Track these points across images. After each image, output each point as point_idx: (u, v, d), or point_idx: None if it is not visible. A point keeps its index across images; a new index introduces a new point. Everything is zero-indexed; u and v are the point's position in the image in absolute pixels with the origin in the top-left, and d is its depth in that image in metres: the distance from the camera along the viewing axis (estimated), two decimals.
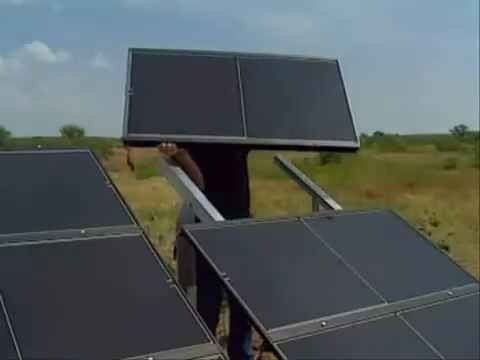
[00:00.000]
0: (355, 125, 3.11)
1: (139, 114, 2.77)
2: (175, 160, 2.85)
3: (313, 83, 3.26)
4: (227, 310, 3.50)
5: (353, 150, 3.12)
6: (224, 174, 3.08)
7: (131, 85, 2.80)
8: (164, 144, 2.78)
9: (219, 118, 2.96)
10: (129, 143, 2.80)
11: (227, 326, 3.50)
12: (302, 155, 15.04)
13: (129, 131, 2.71)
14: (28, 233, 2.16)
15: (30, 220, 2.25)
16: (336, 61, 3.31)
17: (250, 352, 3.29)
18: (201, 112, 2.96)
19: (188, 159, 2.97)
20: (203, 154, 2.96)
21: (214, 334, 2.65)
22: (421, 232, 3.21)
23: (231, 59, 3.13)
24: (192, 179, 2.76)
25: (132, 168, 3.19)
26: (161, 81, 2.96)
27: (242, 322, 3.16)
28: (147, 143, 2.82)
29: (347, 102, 3.18)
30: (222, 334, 3.62)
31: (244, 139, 2.86)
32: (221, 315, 3.60)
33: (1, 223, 2.18)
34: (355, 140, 3.06)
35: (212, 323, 3.00)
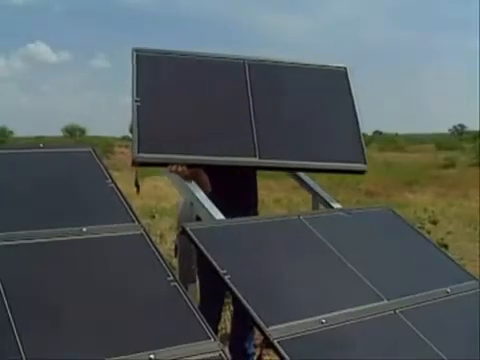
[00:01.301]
0: (364, 145, 3.07)
1: (148, 130, 2.64)
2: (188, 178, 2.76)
3: (323, 95, 3.18)
4: (229, 308, 3.51)
5: (361, 173, 3.08)
6: (233, 192, 3.02)
7: (137, 93, 2.67)
8: (174, 167, 2.68)
9: (230, 137, 2.86)
10: (139, 164, 2.64)
11: (229, 324, 3.51)
12: None
13: (139, 151, 2.58)
14: (29, 231, 2.18)
15: (31, 218, 2.26)
16: (345, 68, 3.25)
17: (251, 351, 3.30)
18: (212, 129, 2.85)
19: (205, 178, 2.91)
20: (212, 171, 2.91)
21: (216, 332, 2.65)
22: (420, 230, 3.22)
23: (240, 64, 3.02)
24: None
25: (138, 190, 3.17)
26: (168, 89, 2.85)
27: (244, 321, 3.17)
28: (158, 164, 2.72)
29: (357, 117, 3.12)
30: (223, 332, 3.63)
31: (256, 160, 2.80)
32: (223, 313, 3.62)
33: (2, 221, 2.19)
34: (364, 162, 3.03)
35: (214, 321, 3.01)
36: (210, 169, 2.90)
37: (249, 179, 3.23)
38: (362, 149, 3.03)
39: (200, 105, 2.89)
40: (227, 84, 3.00)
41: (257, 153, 2.80)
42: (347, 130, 3.10)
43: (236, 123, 2.90)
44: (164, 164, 2.69)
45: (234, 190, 3.04)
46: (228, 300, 3.54)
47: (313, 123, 3.08)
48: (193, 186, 2.75)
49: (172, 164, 2.67)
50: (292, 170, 3.03)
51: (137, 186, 2.97)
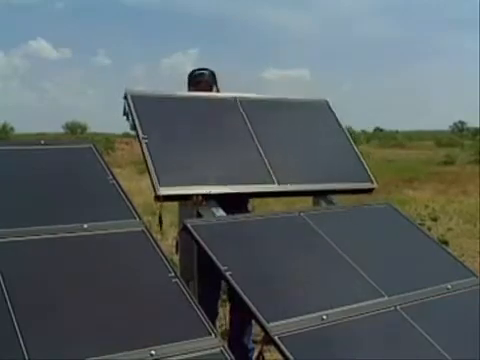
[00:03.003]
0: (366, 166, 3.23)
1: (164, 166, 2.67)
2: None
3: (315, 125, 3.33)
4: (228, 304, 3.52)
5: (371, 191, 3.21)
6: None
7: (142, 131, 2.71)
8: (195, 198, 2.68)
9: (244, 166, 2.92)
10: (163, 198, 2.63)
11: (228, 320, 3.51)
12: None
13: (161, 185, 2.58)
14: (30, 228, 2.18)
15: (32, 215, 2.26)
16: (326, 101, 3.43)
17: (251, 345, 3.32)
18: (223, 159, 2.91)
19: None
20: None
21: (215, 327, 2.65)
22: (421, 227, 3.23)
23: (232, 100, 3.12)
24: None
25: (161, 226, 3.14)
26: (171, 125, 2.90)
27: (242, 316, 3.18)
28: (180, 197, 2.73)
29: (351, 142, 3.29)
30: (223, 328, 3.64)
31: (275, 186, 2.86)
32: (221, 309, 3.62)
33: (3, 218, 2.20)
34: (371, 181, 3.17)
35: (212, 316, 3.01)
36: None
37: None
38: (366, 169, 3.19)
39: (206, 138, 2.95)
40: (226, 118, 3.08)
41: (275, 180, 2.88)
42: (346, 154, 3.26)
43: (245, 153, 2.97)
44: (186, 197, 2.71)
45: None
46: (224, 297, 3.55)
47: (314, 150, 3.21)
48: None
49: (196, 196, 2.69)
50: (309, 194, 3.09)
51: (160, 222, 3.02)
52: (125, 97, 2.84)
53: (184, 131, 2.91)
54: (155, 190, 2.58)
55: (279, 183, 2.88)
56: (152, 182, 2.60)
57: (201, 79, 3.30)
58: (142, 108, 2.82)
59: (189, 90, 3.35)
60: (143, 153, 2.67)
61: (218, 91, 3.36)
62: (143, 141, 2.68)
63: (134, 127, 2.77)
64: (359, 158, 3.24)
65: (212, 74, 3.36)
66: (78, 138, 30.95)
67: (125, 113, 2.84)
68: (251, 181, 2.84)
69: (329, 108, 3.40)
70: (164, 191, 2.57)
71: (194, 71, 3.39)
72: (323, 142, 3.28)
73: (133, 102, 2.81)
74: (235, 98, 3.14)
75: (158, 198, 2.60)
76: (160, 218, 3.00)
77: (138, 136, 2.71)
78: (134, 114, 2.76)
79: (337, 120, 3.39)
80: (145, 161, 2.65)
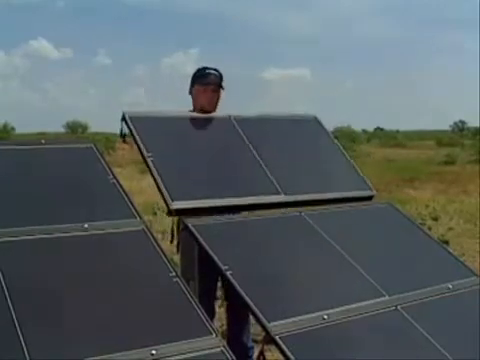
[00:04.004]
0: (362, 174, 3.33)
1: (173, 181, 2.70)
2: None
3: (308, 139, 3.43)
4: (223, 304, 3.51)
5: (371, 198, 3.28)
6: None
7: (147, 150, 2.74)
8: None
9: (249, 179, 2.98)
10: (176, 212, 2.64)
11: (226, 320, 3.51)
12: None
13: (173, 199, 2.60)
14: (30, 228, 2.18)
15: (33, 215, 2.26)
16: (315, 116, 3.54)
17: (250, 344, 3.31)
18: (228, 173, 2.98)
19: None
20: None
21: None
22: (421, 226, 3.23)
23: (227, 119, 3.19)
24: None
25: (172, 240, 3.16)
26: (172, 143, 2.94)
27: (240, 315, 3.19)
28: (193, 210, 2.72)
29: (344, 153, 3.40)
30: (224, 328, 3.64)
31: (282, 197, 2.92)
32: (221, 309, 3.61)
33: (3, 218, 2.20)
34: (370, 188, 3.26)
35: (210, 316, 3.01)
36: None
37: None
38: (364, 179, 3.30)
39: (208, 154, 3.01)
40: (224, 135, 3.15)
41: (281, 191, 2.93)
42: (343, 165, 3.35)
43: (248, 167, 3.03)
44: (198, 210, 2.71)
45: None
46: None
47: (313, 162, 3.31)
48: None
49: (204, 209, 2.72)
50: (314, 203, 3.14)
51: (173, 236, 3.05)
52: (123, 119, 2.86)
53: (186, 148, 2.97)
54: (167, 205, 2.59)
55: (286, 194, 2.93)
56: (163, 197, 2.61)
57: (210, 81, 3.29)
58: (142, 128, 2.85)
59: (193, 88, 3.32)
60: (150, 170, 2.69)
61: (222, 88, 3.35)
62: (149, 159, 2.71)
63: (138, 148, 2.80)
64: (355, 169, 3.33)
65: (220, 75, 3.35)
66: (79, 138, 30.94)
67: (122, 135, 2.87)
68: (258, 192, 2.89)
69: (319, 123, 3.52)
70: (177, 205, 2.59)
71: (203, 70, 3.36)
72: (319, 155, 3.40)
73: (132, 123, 2.84)
74: (229, 116, 3.21)
75: (171, 213, 2.62)
76: (172, 232, 3.04)
77: (143, 155, 2.74)
78: (135, 134, 2.80)
79: (328, 134, 3.51)
80: (153, 178, 2.67)
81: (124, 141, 2.94)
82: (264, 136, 3.24)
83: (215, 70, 3.36)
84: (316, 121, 3.53)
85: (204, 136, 3.12)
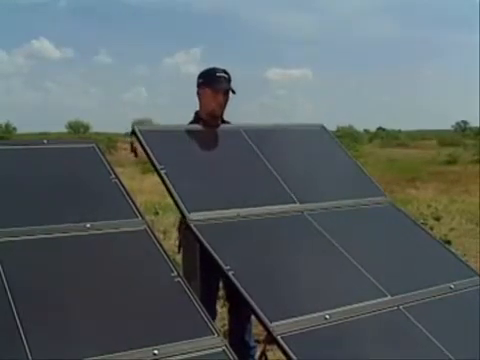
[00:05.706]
0: (375, 181, 3.36)
1: (187, 192, 2.70)
2: None
3: (318, 148, 3.46)
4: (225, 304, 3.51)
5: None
6: None
7: (159, 162, 2.75)
8: None
9: (264, 189, 2.99)
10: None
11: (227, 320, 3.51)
12: None
13: (190, 211, 2.60)
14: (32, 227, 2.18)
15: (35, 214, 2.26)
16: (322, 125, 3.58)
17: (252, 343, 3.31)
18: (242, 184, 2.98)
19: None
20: None
21: None
22: (423, 226, 3.22)
23: (237, 129, 3.22)
24: None
25: (179, 250, 3.19)
26: (184, 155, 2.95)
27: (242, 315, 3.19)
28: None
29: (355, 161, 3.44)
30: (226, 327, 3.63)
31: (298, 206, 2.93)
32: (224, 309, 3.61)
33: (4, 217, 2.20)
34: (384, 195, 3.28)
35: (211, 315, 3.00)
36: None
37: None
38: (377, 185, 3.33)
39: (220, 165, 3.03)
40: (235, 146, 3.18)
41: (297, 200, 2.95)
42: (355, 172, 3.38)
43: (261, 177, 3.05)
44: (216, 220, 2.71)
45: None
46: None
47: (325, 170, 3.36)
48: None
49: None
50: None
51: (180, 246, 3.01)
52: (133, 132, 2.87)
53: (198, 160, 2.98)
54: (184, 216, 2.59)
55: (301, 203, 2.94)
56: (180, 209, 2.61)
57: (223, 86, 3.26)
58: (152, 141, 2.86)
59: (200, 88, 3.29)
60: (164, 183, 2.69)
61: (234, 92, 3.33)
62: (162, 171, 2.71)
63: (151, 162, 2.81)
64: (367, 175, 3.35)
65: (230, 78, 3.33)
66: (81, 138, 30.95)
67: (132, 149, 2.87)
68: (274, 202, 2.90)
69: (326, 132, 3.55)
70: (194, 216, 2.58)
71: (213, 72, 3.32)
72: (330, 163, 3.42)
73: (143, 136, 2.85)
74: (238, 128, 3.24)
75: (188, 227, 2.59)
76: (180, 243, 3.01)
77: (155, 168, 2.74)
78: (146, 147, 2.80)
79: (337, 142, 3.54)
80: (168, 190, 2.67)
81: (135, 155, 2.93)
82: (274, 146, 3.27)
83: (224, 72, 3.34)
84: (324, 130, 3.56)
85: (215, 148, 3.15)
